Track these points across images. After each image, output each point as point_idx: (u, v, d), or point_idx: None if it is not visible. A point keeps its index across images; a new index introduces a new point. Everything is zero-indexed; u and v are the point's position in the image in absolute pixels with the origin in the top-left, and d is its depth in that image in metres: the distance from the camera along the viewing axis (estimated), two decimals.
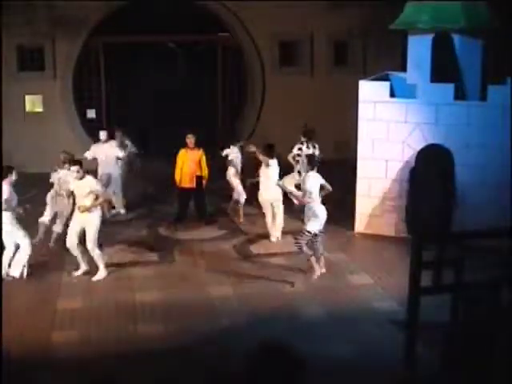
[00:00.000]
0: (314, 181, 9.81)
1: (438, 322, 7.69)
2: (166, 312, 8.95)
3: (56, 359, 7.80)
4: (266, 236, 11.98)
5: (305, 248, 9.74)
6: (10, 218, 9.56)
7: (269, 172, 11.39)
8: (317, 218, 9.74)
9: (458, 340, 7.47)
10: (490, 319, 7.16)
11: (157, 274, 10.28)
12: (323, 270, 10.00)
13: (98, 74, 17.75)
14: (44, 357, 7.84)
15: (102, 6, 16.30)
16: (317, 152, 12.55)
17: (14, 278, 9.77)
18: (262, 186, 11.58)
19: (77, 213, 10.03)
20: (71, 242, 9.96)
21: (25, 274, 9.92)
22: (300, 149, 12.70)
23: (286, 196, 11.93)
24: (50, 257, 10.78)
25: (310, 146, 12.74)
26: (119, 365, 7.61)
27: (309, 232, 9.73)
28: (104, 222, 12.50)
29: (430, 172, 11.35)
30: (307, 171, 9.94)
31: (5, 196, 9.45)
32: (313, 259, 9.84)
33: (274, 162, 11.41)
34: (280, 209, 11.66)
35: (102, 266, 10.06)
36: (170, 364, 7.62)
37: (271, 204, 11.58)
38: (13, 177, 9.76)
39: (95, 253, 10.01)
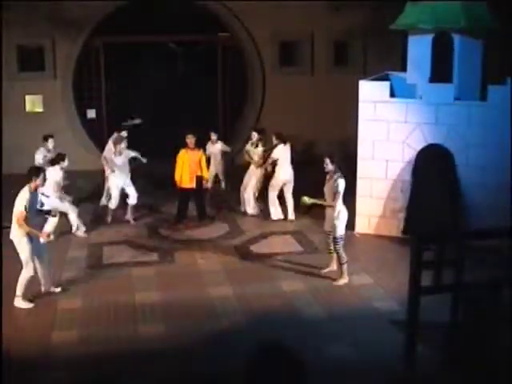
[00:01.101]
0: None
1: (437, 322, 7.69)
2: (166, 312, 8.95)
3: (56, 359, 7.79)
4: (265, 236, 12.00)
5: (344, 253, 9.85)
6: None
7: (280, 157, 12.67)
8: (345, 220, 9.84)
9: (458, 340, 7.47)
10: (490, 319, 7.17)
11: (157, 274, 10.28)
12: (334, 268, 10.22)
13: (98, 73, 17.73)
14: (44, 357, 7.83)
15: (102, 5, 16.29)
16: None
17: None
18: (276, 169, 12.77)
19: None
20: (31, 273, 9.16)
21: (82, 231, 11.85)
22: (257, 145, 13.08)
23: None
24: (50, 256, 10.77)
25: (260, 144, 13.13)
26: (119, 365, 7.62)
27: (342, 236, 9.83)
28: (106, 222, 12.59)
29: (431, 172, 11.35)
30: (337, 174, 9.78)
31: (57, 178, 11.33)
32: (345, 266, 9.87)
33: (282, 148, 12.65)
34: (290, 191, 12.69)
35: (18, 294, 9.13)
36: (169, 364, 7.62)
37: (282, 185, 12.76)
38: (65, 163, 11.49)
39: (20, 279, 9.09)
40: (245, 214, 13.05)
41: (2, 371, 6.71)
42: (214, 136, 14.33)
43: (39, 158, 12.55)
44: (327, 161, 9.76)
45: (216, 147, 14.35)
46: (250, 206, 13.03)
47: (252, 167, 13.10)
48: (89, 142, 17.19)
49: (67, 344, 8.12)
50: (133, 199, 12.64)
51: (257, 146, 13.04)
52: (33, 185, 8.99)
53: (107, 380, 7.32)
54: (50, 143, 12.93)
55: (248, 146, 13.23)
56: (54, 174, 11.34)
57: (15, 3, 15.17)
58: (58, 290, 9.53)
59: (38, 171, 9.14)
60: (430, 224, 10.90)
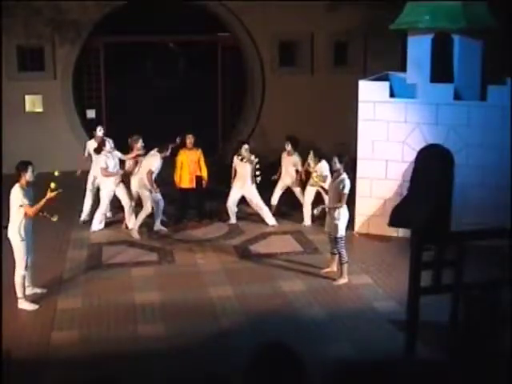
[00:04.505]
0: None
1: (437, 321, 7.69)
2: (166, 312, 8.95)
3: (56, 359, 7.79)
4: (265, 236, 12.00)
5: (345, 253, 9.83)
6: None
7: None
8: (346, 221, 9.83)
9: (458, 340, 7.47)
10: (489, 319, 7.17)
11: (157, 274, 10.28)
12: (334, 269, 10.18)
13: (98, 74, 17.74)
14: (44, 357, 7.84)
15: (102, 6, 16.29)
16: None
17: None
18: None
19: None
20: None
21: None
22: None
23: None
24: (50, 256, 10.78)
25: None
26: (119, 365, 7.62)
27: (342, 236, 9.81)
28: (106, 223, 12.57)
29: (428, 172, 11.35)
30: (344, 174, 9.73)
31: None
32: (345, 266, 9.85)
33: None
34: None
35: (20, 296, 9.06)
36: (169, 364, 7.62)
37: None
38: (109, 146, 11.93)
39: (16, 280, 9.01)
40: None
41: (2, 371, 6.70)
42: (288, 146, 12.62)
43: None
44: (335, 160, 9.74)
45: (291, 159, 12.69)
46: (308, 219, 12.51)
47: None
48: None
49: (67, 344, 8.12)
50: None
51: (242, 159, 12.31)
52: (23, 181, 8.92)
53: (107, 380, 7.31)
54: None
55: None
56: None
57: (15, 3, 15.16)
58: (43, 290, 9.49)
59: (25, 166, 8.95)
60: (419, 221, 10.89)
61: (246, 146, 12.39)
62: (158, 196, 12.11)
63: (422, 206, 11.16)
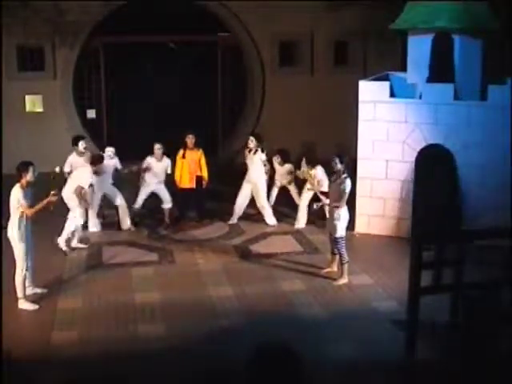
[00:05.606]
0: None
1: (437, 321, 7.70)
2: (166, 312, 8.95)
3: (56, 359, 7.79)
4: (265, 236, 12.00)
5: (346, 254, 9.81)
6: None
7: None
8: (346, 221, 9.82)
9: (458, 340, 7.48)
10: (490, 319, 7.17)
11: (157, 274, 10.28)
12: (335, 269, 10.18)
13: (98, 74, 17.74)
14: (44, 357, 7.83)
15: (102, 6, 16.29)
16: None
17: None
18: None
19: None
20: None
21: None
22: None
23: None
24: (50, 256, 10.77)
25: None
26: (119, 365, 7.61)
27: (342, 236, 9.79)
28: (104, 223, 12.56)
29: (431, 172, 11.35)
30: (345, 174, 9.71)
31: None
32: (345, 266, 9.83)
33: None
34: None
35: (20, 296, 9.06)
36: (169, 364, 7.62)
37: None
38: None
39: (17, 280, 9.02)
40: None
41: (2, 371, 6.71)
42: (278, 159, 12.78)
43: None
44: (336, 160, 9.69)
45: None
46: (302, 221, 12.41)
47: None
48: (89, 142, 17.17)
49: (67, 344, 8.12)
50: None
51: (255, 152, 12.35)
52: (23, 181, 8.93)
53: (107, 380, 7.32)
54: (81, 145, 12.31)
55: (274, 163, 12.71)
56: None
57: (15, 4, 15.15)
58: (43, 290, 9.50)
59: (26, 166, 8.96)
60: (430, 224, 10.90)
61: (251, 138, 12.51)
62: (78, 213, 11.21)
63: (428, 208, 11.17)
